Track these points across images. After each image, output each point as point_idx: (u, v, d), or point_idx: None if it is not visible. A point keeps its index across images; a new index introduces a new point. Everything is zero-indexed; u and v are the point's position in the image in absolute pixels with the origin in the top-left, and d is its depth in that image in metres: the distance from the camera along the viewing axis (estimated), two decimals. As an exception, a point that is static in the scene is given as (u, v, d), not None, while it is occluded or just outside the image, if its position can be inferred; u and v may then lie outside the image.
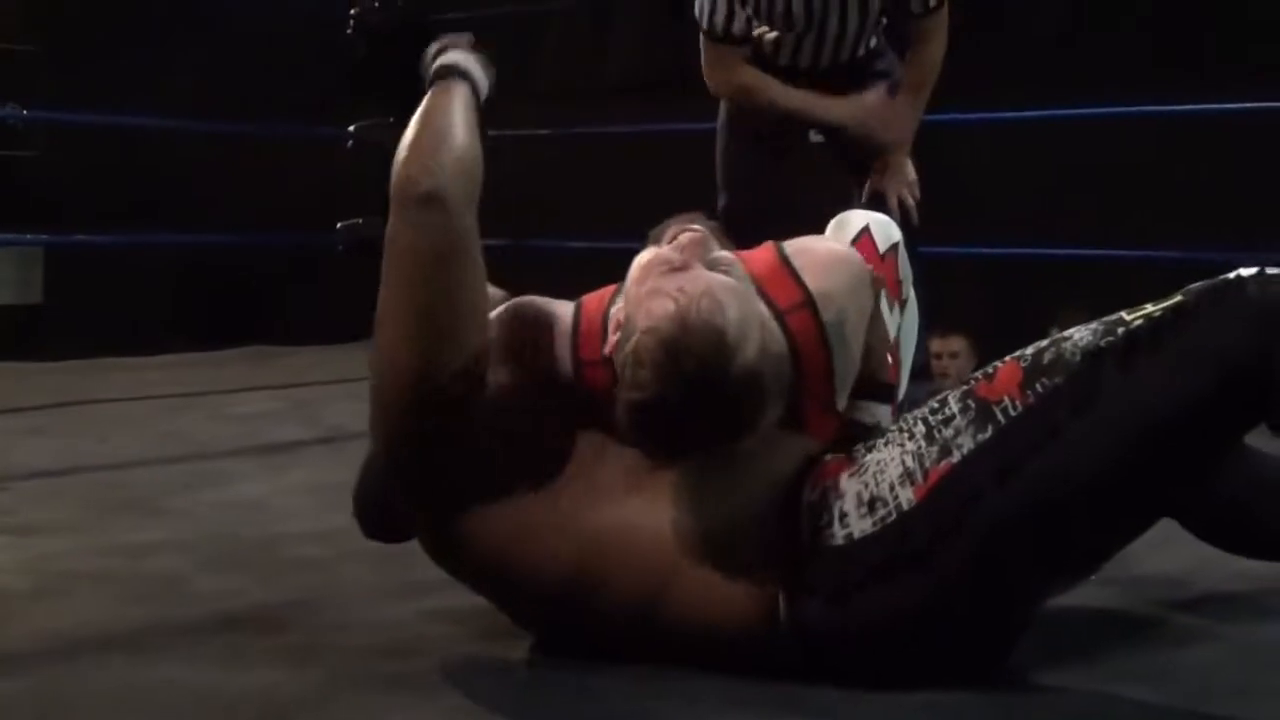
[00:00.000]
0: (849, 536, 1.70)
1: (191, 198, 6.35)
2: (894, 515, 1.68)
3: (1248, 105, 4.60)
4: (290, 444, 3.84)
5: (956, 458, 1.68)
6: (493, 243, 2.04)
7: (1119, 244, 4.82)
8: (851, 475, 1.75)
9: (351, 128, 6.19)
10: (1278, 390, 1.59)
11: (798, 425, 1.93)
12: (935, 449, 1.70)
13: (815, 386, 1.93)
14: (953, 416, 1.71)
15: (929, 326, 4.51)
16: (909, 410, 3.02)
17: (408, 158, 1.88)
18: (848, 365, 1.98)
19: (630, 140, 5.35)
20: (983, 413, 1.69)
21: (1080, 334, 1.71)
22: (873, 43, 3.65)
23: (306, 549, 2.59)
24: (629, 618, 1.80)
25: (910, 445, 1.73)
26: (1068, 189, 5.34)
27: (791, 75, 3.65)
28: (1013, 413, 1.67)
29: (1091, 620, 2.07)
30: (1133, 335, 1.66)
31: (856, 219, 2.39)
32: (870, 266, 2.12)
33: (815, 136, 3.87)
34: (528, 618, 1.94)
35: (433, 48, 2.10)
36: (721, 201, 3.76)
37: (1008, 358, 1.74)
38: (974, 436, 1.68)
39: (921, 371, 3.89)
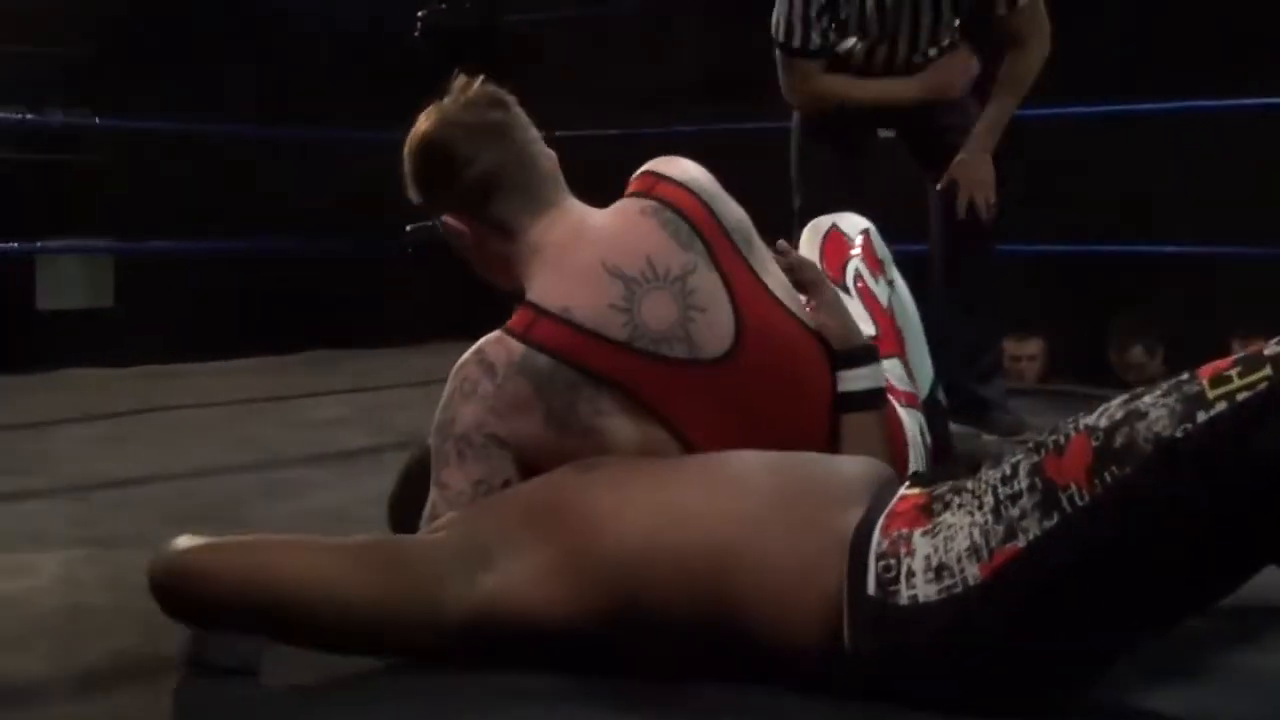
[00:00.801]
0: (914, 599, 1.66)
1: (256, 203, 6.36)
2: (959, 588, 1.64)
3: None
4: (364, 450, 3.81)
5: (1022, 543, 1.61)
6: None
7: (1199, 240, 4.73)
8: (925, 534, 1.70)
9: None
10: None
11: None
12: (1002, 528, 1.63)
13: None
14: (1020, 494, 1.63)
15: (1005, 327, 4.48)
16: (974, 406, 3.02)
17: None
18: None
19: (699, 140, 5.32)
20: (1049, 497, 1.60)
21: (1155, 410, 1.55)
22: (945, 43, 3.60)
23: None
24: (682, 631, 1.78)
25: (979, 517, 1.66)
26: (1147, 186, 5.26)
27: (868, 74, 3.61)
28: (1079, 502, 1.58)
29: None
30: (1214, 425, 1.51)
31: (824, 221, 2.58)
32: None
33: (885, 133, 3.83)
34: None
35: None
36: (797, 202, 3.73)
37: (1082, 425, 1.62)
38: (1039, 523, 1.60)
39: (995, 369, 3.86)
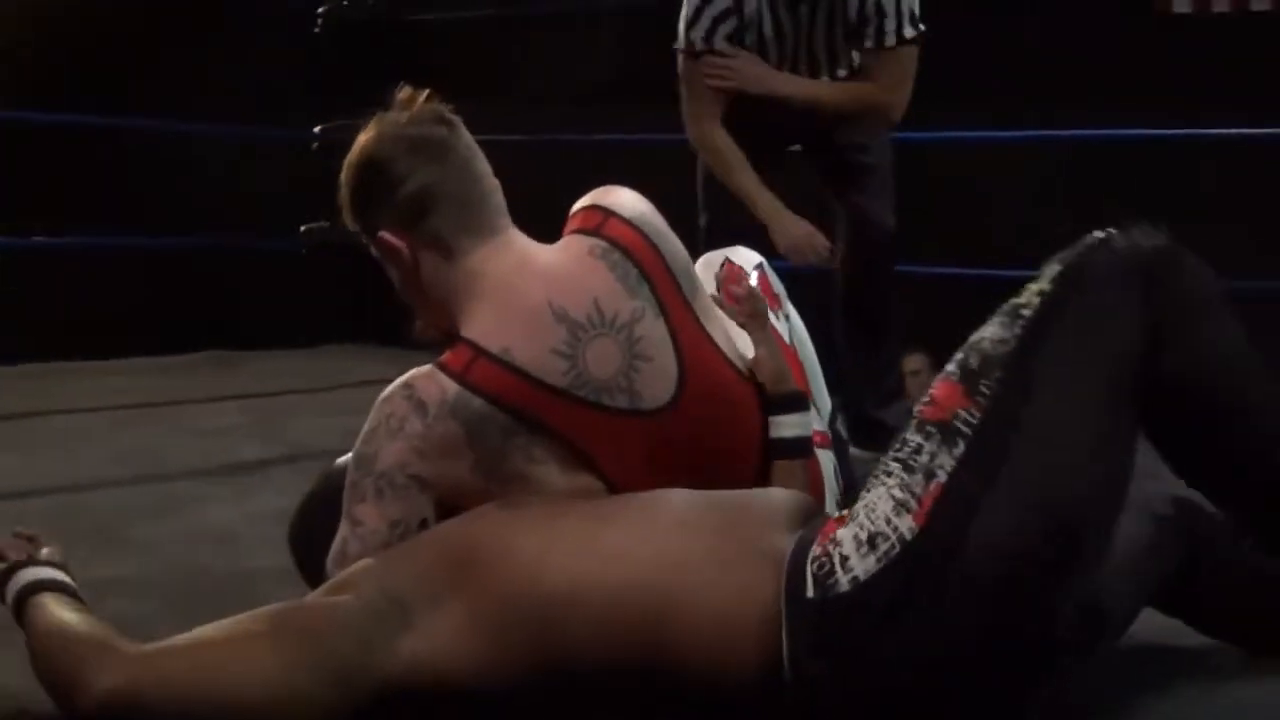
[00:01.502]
0: (854, 580, 1.63)
1: (152, 197, 6.22)
2: (897, 547, 1.63)
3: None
4: (256, 463, 3.74)
5: (943, 477, 1.64)
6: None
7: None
8: (844, 525, 1.69)
9: (318, 129, 6.13)
10: (1169, 330, 1.67)
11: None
12: (919, 476, 1.65)
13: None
14: (920, 446, 1.67)
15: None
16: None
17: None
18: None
19: (609, 149, 5.27)
20: (945, 431, 1.66)
21: (989, 330, 1.72)
22: (844, 72, 3.60)
23: (278, 589, 2.47)
24: (615, 681, 1.71)
25: (893, 481, 1.67)
26: (1034, 208, 5.28)
27: (771, 104, 3.60)
28: (973, 420, 1.66)
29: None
30: (1037, 316, 1.70)
31: (716, 256, 2.49)
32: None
33: (792, 148, 3.83)
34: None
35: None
36: (703, 220, 3.71)
37: (936, 381, 1.74)
38: (950, 454, 1.64)
39: (897, 393, 3.86)
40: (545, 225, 2.14)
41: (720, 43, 3.48)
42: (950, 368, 1.73)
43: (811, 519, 1.81)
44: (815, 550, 1.68)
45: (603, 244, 2.04)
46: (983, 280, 5.24)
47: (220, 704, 1.73)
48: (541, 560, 1.75)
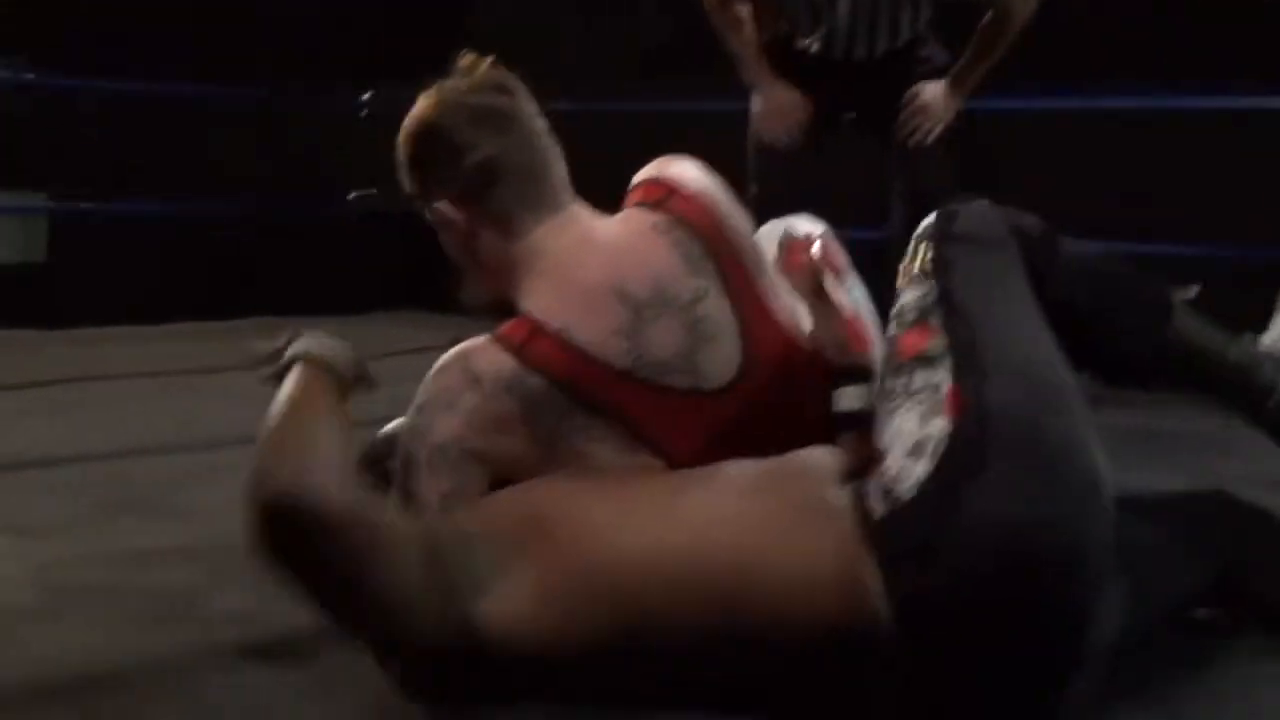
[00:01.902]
0: (916, 483, 1.66)
1: (201, 164, 6.19)
2: (944, 443, 1.67)
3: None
4: (305, 430, 3.69)
5: (949, 383, 1.73)
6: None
7: (1142, 238, 4.67)
8: (882, 460, 1.73)
9: (366, 96, 6.09)
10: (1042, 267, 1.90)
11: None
12: (927, 394, 1.74)
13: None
14: (910, 380, 1.77)
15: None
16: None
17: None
18: None
19: (658, 118, 5.20)
20: (925, 360, 1.77)
21: (906, 297, 1.87)
22: (910, 33, 3.53)
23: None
24: (698, 647, 1.67)
25: (905, 409, 1.74)
26: (1097, 181, 5.19)
27: (826, 67, 3.53)
28: (943, 343, 1.77)
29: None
30: (941, 272, 1.85)
31: (777, 227, 2.37)
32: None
33: (849, 115, 3.75)
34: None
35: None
36: (752, 189, 3.65)
37: (884, 339, 1.93)
38: (944, 368, 1.74)
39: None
40: (591, 195, 2.08)
41: None
42: (892, 330, 1.87)
43: (856, 474, 1.79)
44: (869, 486, 1.71)
45: (666, 219, 1.98)
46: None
47: (359, 580, 1.69)
48: (615, 527, 1.72)
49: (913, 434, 1.70)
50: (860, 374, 2.05)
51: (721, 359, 1.93)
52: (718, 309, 1.94)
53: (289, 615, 2.11)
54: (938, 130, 3.55)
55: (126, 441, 3.45)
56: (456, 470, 1.85)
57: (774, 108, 3.59)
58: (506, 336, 1.88)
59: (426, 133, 2.00)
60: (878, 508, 1.68)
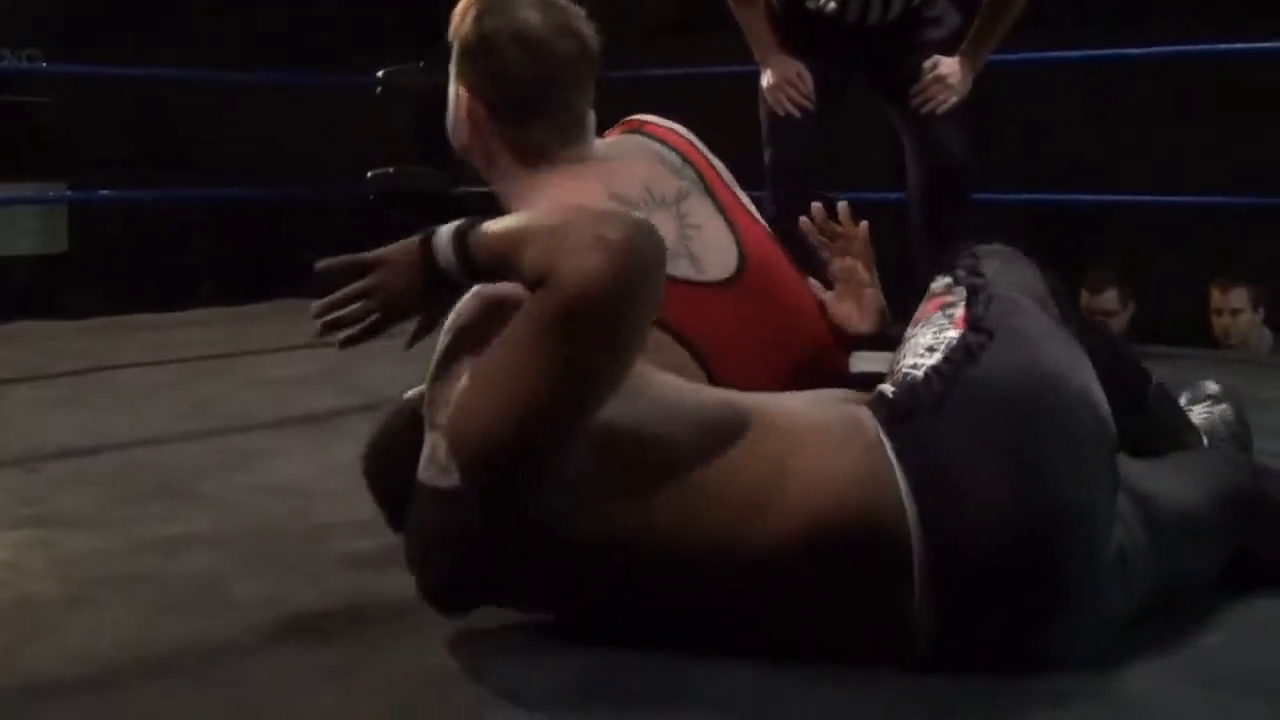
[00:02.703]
0: (930, 366, 1.76)
1: (218, 148, 6.19)
2: (955, 341, 1.77)
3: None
4: (328, 413, 3.68)
5: (961, 309, 1.82)
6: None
7: (1151, 190, 4.64)
8: (899, 359, 1.84)
9: (380, 73, 6.06)
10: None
11: None
12: (941, 318, 1.84)
13: None
14: (925, 325, 1.85)
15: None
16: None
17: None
18: None
19: (670, 83, 5.17)
20: (945, 308, 1.85)
21: (925, 332, 1.87)
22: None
23: (354, 542, 2.43)
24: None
25: (923, 329, 1.84)
26: (1103, 133, 5.15)
27: (839, 30, 3.51)
28: (960, 294, 1.86)
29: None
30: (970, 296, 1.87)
31: None
32: None
33: (862, 78, 3.72)
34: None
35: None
36: (767, 156, 3.62)
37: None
38: (955, 306, 1.83)
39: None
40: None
41: None
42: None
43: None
44: (884, 386, 1.82)
45: (643, 138, 2.13)
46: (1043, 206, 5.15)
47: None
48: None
49: (926, 342, 1.81)
50: (886, 342, 2.08)
51: (717, 251, 2.03)
52: (702, 205, 2.06)
53: (315, 599, 2.12)
54: (953, 101, 3.53)
55: (150, 430, 3.44)
56: None
57: (781, 81, 3.56)
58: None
59: (519, 36, 2.03)
60: (891, 391, 1.78)
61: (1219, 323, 4.91)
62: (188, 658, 1.89)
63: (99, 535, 2.51)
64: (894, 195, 3.76)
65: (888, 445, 1.71)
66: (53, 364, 4.39)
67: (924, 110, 3.53)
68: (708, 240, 2.03)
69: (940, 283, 1.95)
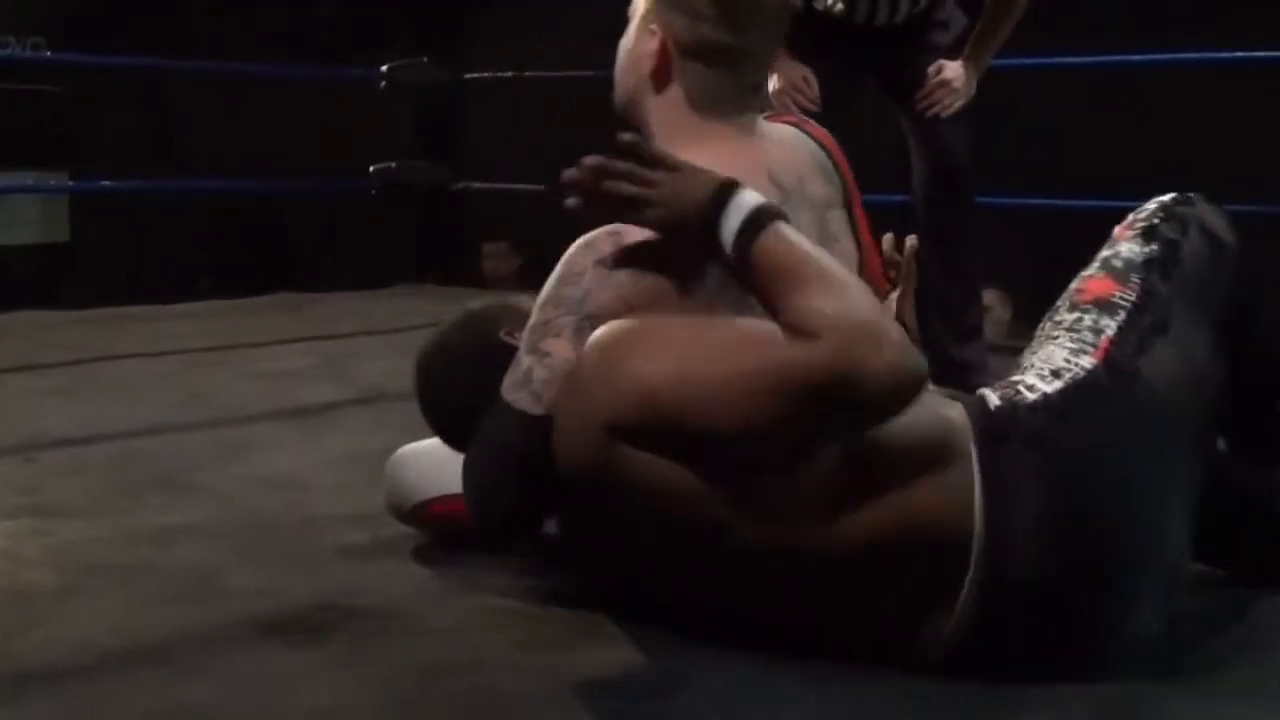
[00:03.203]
0: (1042, 394, 1.75)
1: (220, 140, 6.19)
2: (1081, 373, 1.77)
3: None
4: (325, 406, 3.68)
5: (1111, 332, 1.81)
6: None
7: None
8: (1023, 371, 1.82)
9: (384, 68, 6.07)
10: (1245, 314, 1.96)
11: None
12: (1088, 333, 1.82)
13: None
14: (1079, 317, 1.85)
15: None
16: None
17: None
18: None
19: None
20: (1103, 305, 1.84)
21: (1124, 246, 1.93)
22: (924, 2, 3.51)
23: (348, 535, 2.44)
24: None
25: (1062, 340, 1.83)
26: (1107, 138, 5.15)
27: (846, 32, 3.51)
28: (1129, 299, 1.85)
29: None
30: (1163, 249, 1.91)
31: None
32: None
33: (869, 79, 3.72)
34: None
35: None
36: None
37: (1076, 281, 1.94)
38: (1113, 319, 1.82)
39: (975, 330, 3.77)
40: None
41: None
42: (1094, 269, 1.93)
43: None
44: (995, 393, 1.81)
45: (805, 135, 2.13)
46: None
47: None
48: None
49: (1057, 363, 1.79)
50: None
51: (845, 262, 1.98)
52: (840, 218, 2.08)
53: (310, 591, 2.13)
54: (958, 105, 3.54)
55: (147, 421, 3.44)
56: None
57: (787, 85, 3.55)
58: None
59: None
60: (995, 400, 1.78)
61: None
62: (181, 648, 1.89)
63: (94, 525, 2.51)
64: (900, 197, 3.76)
65: (975, 460, 1.71)
66: (50, 354, 4.39)
67: (929, 114, 3.54)
68: (840, 254, 1.99)
69: (1147, 212, 1.97)
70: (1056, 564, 1.67)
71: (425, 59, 5.89)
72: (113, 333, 4.91)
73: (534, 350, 1.90)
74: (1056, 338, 1.84)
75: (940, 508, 1.70)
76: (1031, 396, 1.75)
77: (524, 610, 2.01)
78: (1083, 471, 1.70)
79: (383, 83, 5.88)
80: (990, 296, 4.90)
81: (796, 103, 3.55)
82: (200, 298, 5.77)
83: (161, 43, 5.76)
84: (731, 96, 2.02)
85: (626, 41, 2.11)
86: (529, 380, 1.89)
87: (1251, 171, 4.87)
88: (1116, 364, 1.76)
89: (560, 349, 1.88)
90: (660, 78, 2.04)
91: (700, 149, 1.92)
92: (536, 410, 1.87)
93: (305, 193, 6.38)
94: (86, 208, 6.33)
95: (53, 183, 6.09)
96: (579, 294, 1.88)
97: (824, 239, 1.97)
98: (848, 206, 2.11)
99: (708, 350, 1.74)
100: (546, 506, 1.96)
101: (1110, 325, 1.81)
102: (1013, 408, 1.75)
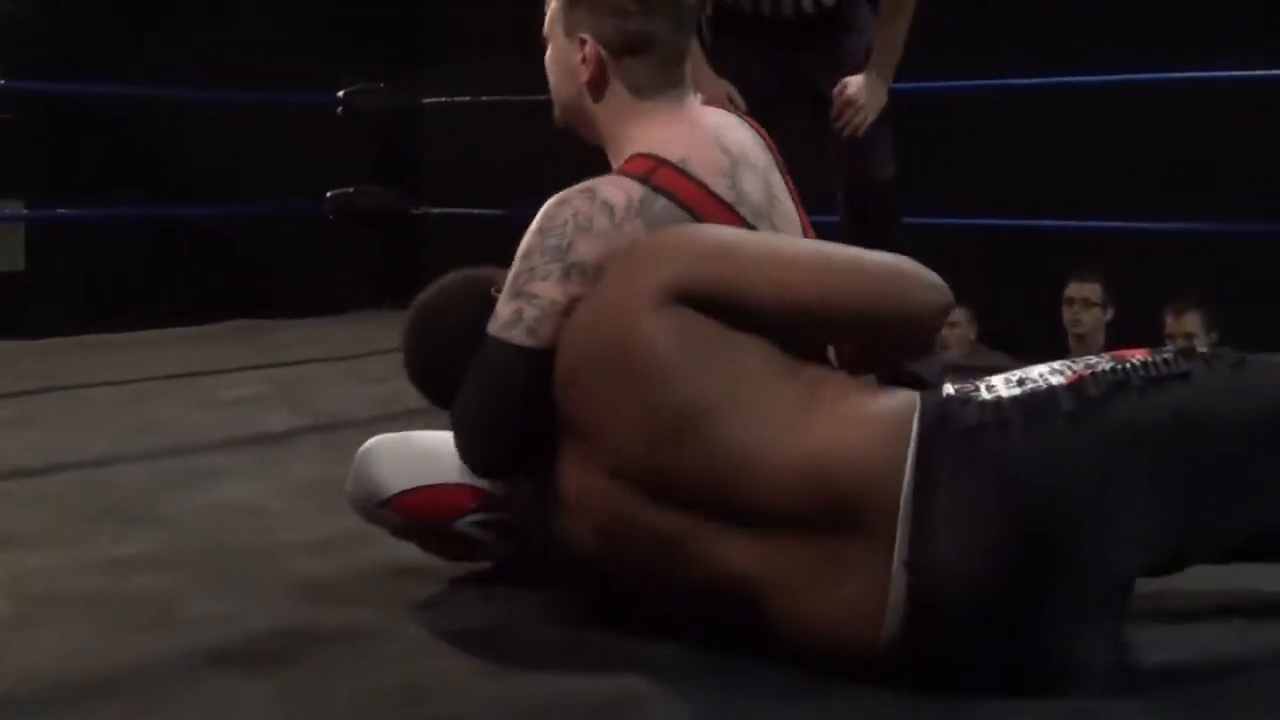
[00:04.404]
0: (996, 395, 1.74)
1: (177, 165, 6.17)
2: (1043, 387, 1.73)
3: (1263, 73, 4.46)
4: (282, 434, 3.67)
5: (1100, 369, 1.75)
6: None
7: (1121, 215, 4.68)
8: (995, 376, 1.81)
9: (341, 93, 6.07)
10: None
11: None
12: (1079, 364, 1.77)
13: None
14: (1087, 358, 1.81)
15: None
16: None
17: None
18: None
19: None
20: (1117, 357, 1.78)
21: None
22: None
23: (306, 562, 2.43)
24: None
25: (1052, 364, 1.79)
26: (1070, 158, 5.19)
27: (756, 24, 3.51)
28: (1143, 364, 1.76)
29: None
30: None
31: None
32: None
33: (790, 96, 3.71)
34: None
35: None
36: None
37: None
38: (1112, 363, 1.76)
39: (928, 345, 3.78)
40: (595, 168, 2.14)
41: None
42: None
43: None
44: (953, 387, 1.81)
45: (734, 116, 2.27)
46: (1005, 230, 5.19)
47: None
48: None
49: (1029, 375, 1.78)
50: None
51: (790, 224, 2.15)
52: (780, 184, 2.18)
53: (266, 619, 2.12)
54: (870, 119, 3.55)
55: (104, 450, 3.43)
56: (587, 284, 1.98)
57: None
58: (631, 170, 2.07)
59: None
60: (948, 390, 1.80)
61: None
62: (136, 678, 1.88)
63: (50, 554, 2.50)
64: (831, 218, 3.77)
65: (914, 430, 1.73)
66: (6, 383, 4.37)
67: (844, 135, 3.55)
68: (785, 214, 2.14)
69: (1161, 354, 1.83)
70: (982, 556, 1.66)
71: (382, 84, 5.90)
72: (68, 361, 4.89)
73: (519, 294, 2.00)
74: (1054, 365, 1.82)
75: (867, 478, 1.72)
76: (988, 395, 1.75)
77: (482, 634, 2.01)
78: (1022, 473, 1.68)
79: (340, 108, 5.89)
80: (957, 314, 4.93)
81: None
82: (156, 325, 5.75)
83: (117, 70, 5.74)
84: (667, 78, 2.16)
85: (555, 56, 2.23)
86: (519, 319, 1.98)
87: (1220, 189, 4.92)
88: (1084, 391, 1.73)
89: (548, 291, 1.98)
90: (598, 81, 2.16)
91: (654, 130, 2.11)
92: (532, 343, 1.97)
93: (262, 218, 6.36)
94: (42, 235, 6.30)
95: (7, 211, 6.05)
96: (562, 243, 2.00)
97: (770, 199, 2.12)
98: (783, 175, 2.21)
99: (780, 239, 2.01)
100: (534, 447, 2.01)
101: (1104, 365, 1.77)
102: (965, 399, 1.75)
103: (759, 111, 3.55)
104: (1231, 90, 4.78)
